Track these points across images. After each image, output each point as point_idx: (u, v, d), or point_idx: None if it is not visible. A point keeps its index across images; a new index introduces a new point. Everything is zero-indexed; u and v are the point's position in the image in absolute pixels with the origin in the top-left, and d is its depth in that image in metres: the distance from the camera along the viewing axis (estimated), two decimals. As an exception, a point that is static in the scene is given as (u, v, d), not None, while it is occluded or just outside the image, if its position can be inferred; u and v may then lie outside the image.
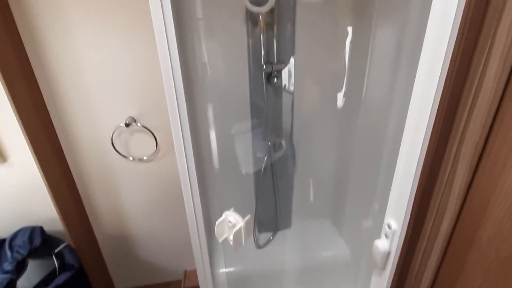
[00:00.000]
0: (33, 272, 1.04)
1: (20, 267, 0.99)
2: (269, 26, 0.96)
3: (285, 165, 1.25)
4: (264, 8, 0.85)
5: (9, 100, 0.88)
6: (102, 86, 1.00)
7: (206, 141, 1.13)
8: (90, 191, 1.19)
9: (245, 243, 0.71)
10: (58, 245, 1.06)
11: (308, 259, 1.28)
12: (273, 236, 1.36)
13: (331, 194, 1.38)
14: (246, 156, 1.18)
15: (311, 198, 1.38)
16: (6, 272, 0.94)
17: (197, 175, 1.03)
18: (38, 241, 1.00)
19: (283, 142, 1.19)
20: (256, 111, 1.09)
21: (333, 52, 1.05)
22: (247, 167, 1.21)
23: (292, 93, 1.09)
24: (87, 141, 1.09)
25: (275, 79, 1.02)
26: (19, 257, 0.97)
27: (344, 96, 1.13)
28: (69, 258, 1.07)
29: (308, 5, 0.96)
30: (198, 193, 1.05)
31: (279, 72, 1.02)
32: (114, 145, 1.08)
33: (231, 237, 0.70)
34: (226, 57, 0.99)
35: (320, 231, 1.40)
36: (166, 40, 0.78)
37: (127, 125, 1.03)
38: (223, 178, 1.22)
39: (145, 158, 1.13)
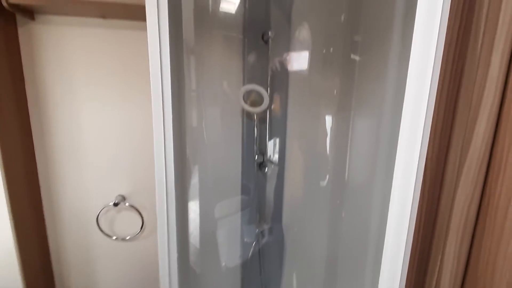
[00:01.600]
0: None
1: None
2: (262, 120, 1.04)
3: (274, 252, 1.21)
4: (259, 109, 0.94)
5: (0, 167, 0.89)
6: (97, 164, 1.03)
7: (193, 224, 1.11)
8: (65, 269, 1.11)
9: None
10: (15, 335, 0.95)
11: None
12: (257, 332, 1.23)
13: (321, 284, 1.30)
14: (234, 242, 1.15)
15: (300, 289, 1.30)
16: None
17: (178, 259, 0.98)
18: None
19: (272, 228, 1.17)
20: (246, 197, 1.10)
21: (320, 143, 1.12)
22: (234, 253, 1.16)
23: (282, 181, 1.12)
24: (72, 217, 1.06)
25: (266, 168, 1.06)
26: None
27: (331, 183, 1.16)
28: None
29: (298, 103, 1.06)
30: (176, 280, 0.98)
31: (271, 162, 1.07)
32: (99, 223, 1.06)
33: None
34: (220, 145, 1.05)
35: (309, 328, 1.27)
36: (162, 126, 0.84)
37: (115, 204, 1.02)
38: (207, 264, 1.17)
39: (128, 238, 1.09)
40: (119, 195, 1.06)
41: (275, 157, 1.08)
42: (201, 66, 0.99)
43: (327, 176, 1.14)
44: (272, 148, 1.08)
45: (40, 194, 1.04)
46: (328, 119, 1.09)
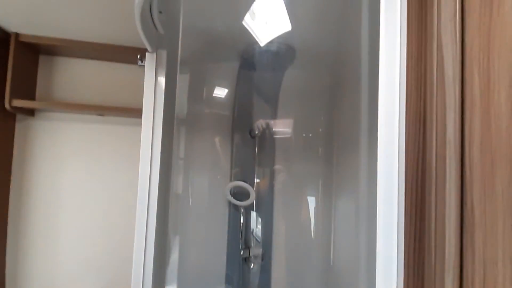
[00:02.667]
0: None
1: None
2: (248, 212, 1.04)
3: None
4: (246, 203, 0.94)
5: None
6: (71, 264, 0.97)
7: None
8: None
9: None
10: None
11: None
12: None
13: None
14: None
15: None
16: None
17: None
18: None
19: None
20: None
21: (306, 236, 1.10)
22: None
23: (269, 277, 1.05)
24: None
25: (252, 264, 1.01)
26: None
27: (319, 275, 1.09)
28: None
29: (284, 194, 1.08)
30: None
31: (256, 257, 1.03)
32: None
33: None
34: (205, 240, 1.01)
35: None
36: (145, 221, 0.81)
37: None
38: None
39: None
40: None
41: (261, 252, 1.04)
42: (190, 159, 1.02)
43: (314, 272, 1.09)
44: (258, 242, 1.05)
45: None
46: (312, 210, 1.09)
